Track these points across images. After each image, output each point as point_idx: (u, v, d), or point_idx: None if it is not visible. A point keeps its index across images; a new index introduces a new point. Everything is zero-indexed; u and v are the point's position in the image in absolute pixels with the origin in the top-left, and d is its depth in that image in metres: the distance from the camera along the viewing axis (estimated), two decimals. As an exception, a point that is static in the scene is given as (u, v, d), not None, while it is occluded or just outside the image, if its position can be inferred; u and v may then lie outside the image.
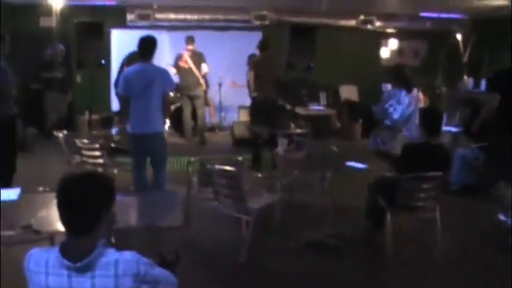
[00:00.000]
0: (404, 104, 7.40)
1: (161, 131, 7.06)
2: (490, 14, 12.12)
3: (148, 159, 7.12)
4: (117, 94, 7.25)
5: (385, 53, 15.31)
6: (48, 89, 13.07)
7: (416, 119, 7.41)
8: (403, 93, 7.41)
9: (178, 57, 12.20)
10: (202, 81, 12.21)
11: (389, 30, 14.86)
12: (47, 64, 13.08)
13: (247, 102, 10.70)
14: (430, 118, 6.28)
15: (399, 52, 15.37)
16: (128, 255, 2.51)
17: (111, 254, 2.50)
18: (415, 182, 5.81)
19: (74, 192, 2.48)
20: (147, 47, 6.95)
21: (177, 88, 12.65)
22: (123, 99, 7.05)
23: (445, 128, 9.18)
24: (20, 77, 9.12)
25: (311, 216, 6.54)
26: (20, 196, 4.81)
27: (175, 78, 12.33)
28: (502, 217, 6.87)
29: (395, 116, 7.37)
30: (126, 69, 7.18)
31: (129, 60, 10.65)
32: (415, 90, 7.73)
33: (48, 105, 13.06)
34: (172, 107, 12.87)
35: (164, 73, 7.02)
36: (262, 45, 10.13)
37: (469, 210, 7.67)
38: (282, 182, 7.38)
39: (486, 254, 6.11)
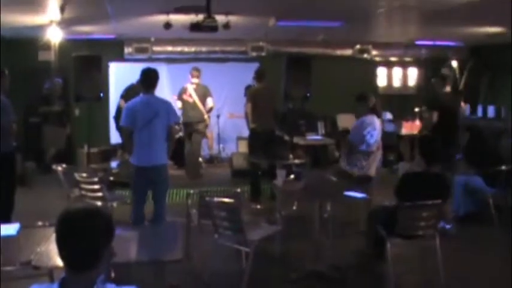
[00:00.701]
0: (378, 130, 7.81)
1: (165, 163, 7.03)
2: (486, 40, 12.21)
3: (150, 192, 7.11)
4: (117, 127, 7.25)
5: (381, 81, 15.39)
6: (47, 123, 13.10)
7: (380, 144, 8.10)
8: (377, 120, 7.87)
9: (183, 91, 11.98)
10: (206, 116, 11.97)
11: (385, 59, 14.96)
12: (45, 98, 13.13)
13: (246, 133, 10.72)
14: (428, 146, 6.30)
15: (395, 80, 15.46)
16: (128, 290, 2.50)
17: (111, 290, 2.49)
18: (414, 211, 5.80)
19: (73, 227, 2.47)
20: (150, 78, 6.98)
21: (180, 121, 12.65)
22: (127, 132, 7.02)
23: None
24: (19, 111, 9.14)
25: (311, 247, 6.51)
26: (20, 231, 4.80)
27: (179, 111, 12.31)
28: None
29: (372, 141, 7.75)
30: (130, 102, 7.18)
31: (126, 93, 10.70)
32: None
33: (46, 138, 13.08)
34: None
35: (168, 105, 7.03)
36: (259, 76, 10.19)
37: (472, 236, 7.66)
38: (281, 213, 7.38)
39: (488, 280, 6.09)
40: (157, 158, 6.84)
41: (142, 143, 6.82)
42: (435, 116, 9.92)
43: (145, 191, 6.99)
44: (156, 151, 6.83)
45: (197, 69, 12.00)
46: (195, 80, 11.91)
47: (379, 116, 7.94)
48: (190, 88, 11.88)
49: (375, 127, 7.72)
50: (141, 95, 7.01)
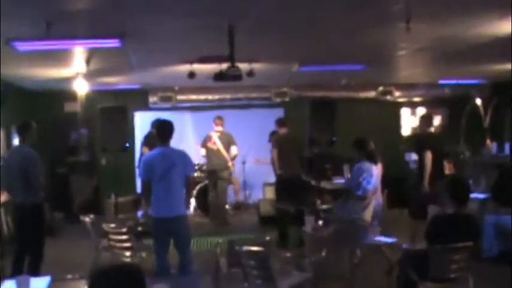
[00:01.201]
0: (375, 176, 7.76)
1: (184, 214, 7.05)
2: (509, 77, 12.16)
3: (172, 242, 7.12)
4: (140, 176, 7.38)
5: (405, 122, 15.36)
6: (74, 173, 13.22)
7: (379, 187, 8.12)
8: (373, 166, 7.81)
9: (207, 138, 12.15)
10: (230, 163, 12.09)
11: (409, 100, 14.95)
12: (72, 148, 13.29)
13: (272, 179, 10.72)
14: (457, 188, 6.22)
15: (420, 121, 15.40)
16: None
17: None
18: (445, 254, 5.73)
19: (108, 285, 2.48)
20: (165, 130, 7.08)
21: (202, 169, 12.70)
22: (145, 184, 7.10)
23: (471, 195, 9.13)
24: (46, 162, 9.24)
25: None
26: (50, 285, 4.80)
27: (203, 159, 12.39)
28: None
29: (369, 187, 7.68)
30: (146, 154, 7.29)
31: (148, 140, 10.81)
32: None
33: (74, 189, 13.19)
34: (198, 187, 12.90)
35: (184, 156, 7.09)
36: (279, 123, 10.27)
37: (505, 277, 7.53)
38: (311, 259, 7.32)
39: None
40: (176, 209, 6.88)
41: (160, 194, 6.88)
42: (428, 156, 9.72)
43: (166, 241, 7.00)
44: (175, 202, 6.88)
45: (220, 118, 12.17)
46: (219, 128, 12.08)
47: (375, 162, 7.89)
48: (215, 136, 12.03)
49: (372, 173, 7.69)
50: (157, 147, 7.08)
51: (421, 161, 9.39)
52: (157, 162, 6.88)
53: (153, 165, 6.90)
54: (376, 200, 7.88)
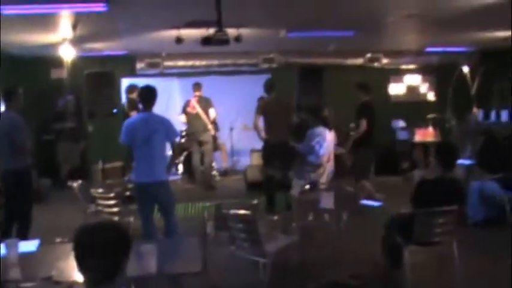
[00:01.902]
0: (328, 141, 7.82)
1: (165, 179, 7.05)
2: (497, 44, 12.17)
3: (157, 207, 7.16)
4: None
5: (393, 89, 15.37)
6: (61, 140, 13.18)
7: (332, 156, 8.15)
8: (327, 131, 7.91)
9: (186, 104, 12.33)
10: (210, 126, 12.26)
11: (397, 67, 14.95)
12: (59, 115, 13.21)
13: (259, 145, 10.74)
14: (445, 152, 6.28)
15: (407, 88, 15.45)
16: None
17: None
18: (430, 217, 5.79)
19: (90, 242, 2.51)
20: (148, 96, 7.07)
21: (187, 134, 12.74)
22: (127, 148, 7.13)
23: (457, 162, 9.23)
24: (32, 129, 9.21)
25: (329, 257, 6.50)
26: (39, 247, 4.83)
27: (184, 125, 12.46)
28: None
29: (322, 151, 7.79)
30: (128, 119, 7.27)
31: (130, 105, 10.81)
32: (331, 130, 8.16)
33: (61, 155, 13.15)
34: (185, 153, 12.94)
35: (166, 122, 7.08)
36: (267, 87, 10.20)
37: (489, 242, 7.62)
38: (297, 223, 7.38)
39: (507, 286, 6.05)
40: (157, 174, 6.90)
41: (142, 159, 6.91)
42: (364, 124, 9.91)
43: (149, 206, 7.06)
44: (156, 167, 6.89)
45: (198, 84, 12.40)
46: (197, 93, 12.28)
47: (330, 128, 7.94)
48: (193, 101, 12.25)
49: (325, 138, 7.75)
50: (139, 112, 7.08)
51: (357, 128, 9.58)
52: (139, 128, 6.89)
53: (134, 130, 6.91)
54: (330, 165, 7.92)
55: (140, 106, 7.29)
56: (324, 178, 7.69)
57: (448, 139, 12.28)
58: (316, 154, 7.65)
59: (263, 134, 9.94)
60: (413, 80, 15.45)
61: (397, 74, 15.25)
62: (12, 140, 7.37)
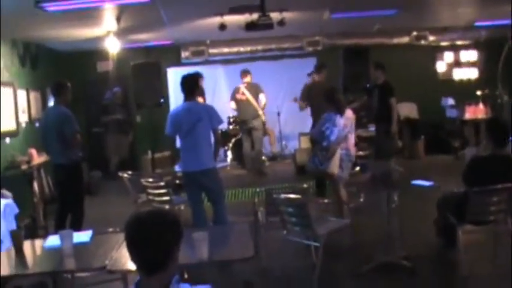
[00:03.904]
0: (339, 126, 7.56)
1: (212, 167, 7.06)
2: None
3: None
4: None
5: (441, 67, 15.12)
6: (109, 132, 13.35)
7: (352, 139, 7.92)
8: (338, 116, 7.59)
9: (236, 91, 12.24)
10: (261, 112, 12.16)
11: (444, 44, 14.69)
12: (106, 107, 13.38)
13: (307, 129, 10.68)
14: (496, 129, 6.13)
15: (456, 64, 15.17)
16: (204, 289, 2.53)
17: (187, 290, 2.52)
18: (484, 196, 5.68)
19: (143, 231, 2.51)
20: (190, 85, 7.06)
21: (236, 121, 12.75)
22: (173, 139, 7.15)
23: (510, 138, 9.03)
24: (81, 122, 9.33)
25: (380, 239, 6.44)
26: (92, 238, 4.90)
27: (235, 112, 12.46)
28: None
29: (332, 137, 7.52)
30: (172, 110, 7.30)
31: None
32: (349, 112, 7.93)
33: (110, 147, 13.32)
34: (233, 140, 12.97)
35: (210, 109, 7.08)
36: (317, 69, 10.16)
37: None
38: (349, 205, 7.33)
39: None
40: (204, 163, 6.91)
41: (188, 149, 6.94)
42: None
43: (197, 194, 7.08)
44: (202, 156, 6.90)
45: (246, 71, 12.25)
46: (246, 79, 12.15)
47: (342, 113, 7.66)
48: (242, 87, 12.14)
49: (335, 123, 7.53)
50: (182, 102, 7.09)
51: None
52: (183, 118, 6.90)
53: (178, 120, 6.93)
54: (346, 150, 7.71)
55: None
56: (335, 162, 7.53)
57: (500, 115, 12.03)
58: (328, 140, 7.53)
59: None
60: (462, 56, 15.14)
61: (445, 50, 14.97)
62: (63, 134, 7.48)
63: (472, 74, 15.03)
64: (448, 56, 15.05)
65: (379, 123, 10.14)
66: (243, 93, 12.06)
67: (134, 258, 2.53)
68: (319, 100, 8.75)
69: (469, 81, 14.88)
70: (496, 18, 12.69)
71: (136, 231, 2.52)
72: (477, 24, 13.56)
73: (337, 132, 7.49)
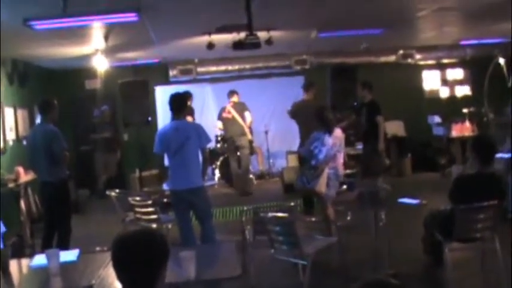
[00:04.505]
0: (328, 145, 7.59)
1: (201, 185, 7.07)
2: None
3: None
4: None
5: (428, 85, 15.23)
6: (97, 150, 13.33)
7: (341, 158, 7.90)
8: (326, 135, 7.62)
9: (222, 110, 12.33)
10: (247, 130, 12.21)
11: (430, 62, 14.80)
12: (94, 125, 13.38)
13: (295, 147, 10.70)
14: (481, 147, 6.17)
15: (442, 83, 15.28)
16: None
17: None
18: (470, 213, 5.70)
19: (130, 251, 2.51)
20: (178, 104, 7.08)
21: (224, 139, 12.77)
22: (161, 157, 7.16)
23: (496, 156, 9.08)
24: (68, 140, 9.33)
25: (368, 257, 6.46)
26: (79, 257, 4.88)
27: (221, 131, 12.50)
28: None
29: (321, 156, 7.56)
30: (161, 128, 7.32)
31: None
32: (338, 131, 7.92)
33: (98, 165, 13.31)
34: (221, 158, 12.97)
35: (198, 128, 7.11)
36: (305, 88, 10.19)
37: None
38: (336, 224, 7.34)
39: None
40: (192, 181, 6.92)
41: (176, 167, 6.96)
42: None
43: (186, 213, 7.09)
44: (190, 174, 6.91)
45: (232, 91, 12.36)
46: (233, 99, 12.25)
47: (330, 131, 7.68)
48: (229, 106, 12.21)
49: (323, 143, 7.57)
50: (170, 121, 7.10)
51: None
52: (171, 136, 6.91)
53: (167, 139, 6.94)
54: (334, 169, 7.70)
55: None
56: (322, 180, 7.54)
57: (486, 133, 12.09)
58: (316, 159, 7.56)
59: None
60: (448, 74, 15.26)
61: (431, 69, 15.09)
62: (50, 151, 7.46)
63: (458, 92, 15.14)
64: (435, 75, 15.17)
65: (366, 141, 10.17)
66: (229, 112, 12.13)
67: (121, 278, 2.53)
68: (308, 118, 8.79)
69: (455, 99, 14.99)
70: (481, 37, 12.83)
71: (124, 251, 2.52)
72: (463, 42, 13.70)
73: (326, 151, 7.51)
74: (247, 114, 12.21)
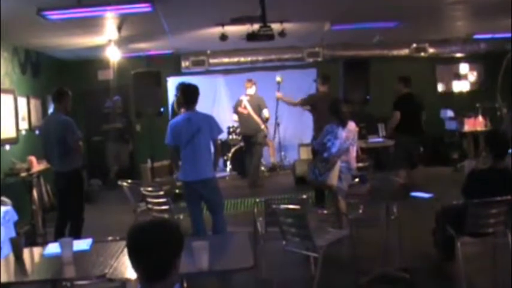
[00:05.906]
0: (341, 139, 7.55)
1: (212, 176, 7.07)
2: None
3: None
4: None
5: (440, 78, 15.16)
6: (109, 140, 13.37)
7: (353, 152, 7.87)
8: (340, 128, 7.59)
9: (238, 103, 12.17)
10: (263, 126, 12.04)
11: (444, 56, 14.73)
12: (107, 116, 13.40)
13: (307, 140, 10.68)
14: (495, 142, 6.15)
15: (455, 77, 15.22)
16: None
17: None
18: (483, 208, 5.68)
19: (146, 240, 2.52)
20: (190, 95, 7.06)
21: (236, 132, 12.75)
22: (172, 149, 7.13)
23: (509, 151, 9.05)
24: (82, 131, 9.37)
25: (379, 250, 6.45)
26: (92, 246, 4.90)
27: (235, 123, 12.45)
28: None
29: (333, 150, 7.53)
30: (172, 120, 7.30)
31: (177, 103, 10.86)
32: (351, 124, 7.87)
33: (110, 156, 13.35)
34: (233, 150, 12.96)
35: (210, 119, 7.08)
36: (321, 80, 10.13)
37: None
38: (348, 217, 7.34)
39: None
40: (203, 172, 6.92)
41: (187, 158, 6.94)
42: (398, 115, 9.88)
43: (197, 204, 7.10)
44: (201, 166, 6.91)
45: (250, 81, 12.14)
46: (250, 91, 12.04)
47: (344, 125, 7.65)
48: (245, 100, 12.04)
49: (337, 136, 7.54)
50: (182, 112, 7.09)
51: None
52: (182, 128, 6.91)
53: (178, 130, 6.94)
54: (346, 162, 7.69)
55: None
56: (334, 173, 7.52)
57: (499, 128, 12.04)
58: (329, 151, 7.54)
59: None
60: (461, 68, 15.20)
61: (445, 63, 15.02)
62: (64, 141, 7.46)
63: (471, 86, 15.08)
64: (448, 68, 15.09)
65: (407, 132, 10.14)
66: (245, 107, 11.98)
67: (136, 267, 2.54)
68: (323, 110, 8.78)
69: (468, 93, 14.93)
70: (495, 31, 12.75)
71: (139, 240, 2.53)
72: (476, 36, 13.62)
73: (339, 144, 7.49)
74: (265, 111, 12.02)
